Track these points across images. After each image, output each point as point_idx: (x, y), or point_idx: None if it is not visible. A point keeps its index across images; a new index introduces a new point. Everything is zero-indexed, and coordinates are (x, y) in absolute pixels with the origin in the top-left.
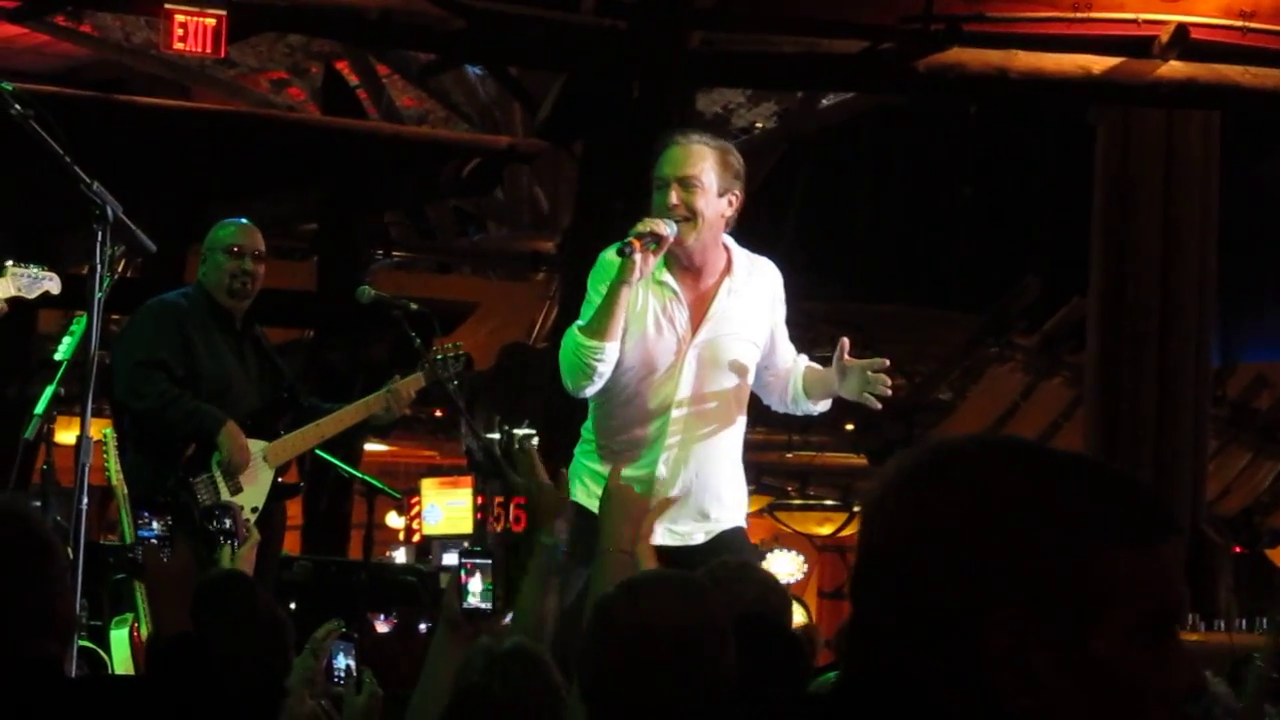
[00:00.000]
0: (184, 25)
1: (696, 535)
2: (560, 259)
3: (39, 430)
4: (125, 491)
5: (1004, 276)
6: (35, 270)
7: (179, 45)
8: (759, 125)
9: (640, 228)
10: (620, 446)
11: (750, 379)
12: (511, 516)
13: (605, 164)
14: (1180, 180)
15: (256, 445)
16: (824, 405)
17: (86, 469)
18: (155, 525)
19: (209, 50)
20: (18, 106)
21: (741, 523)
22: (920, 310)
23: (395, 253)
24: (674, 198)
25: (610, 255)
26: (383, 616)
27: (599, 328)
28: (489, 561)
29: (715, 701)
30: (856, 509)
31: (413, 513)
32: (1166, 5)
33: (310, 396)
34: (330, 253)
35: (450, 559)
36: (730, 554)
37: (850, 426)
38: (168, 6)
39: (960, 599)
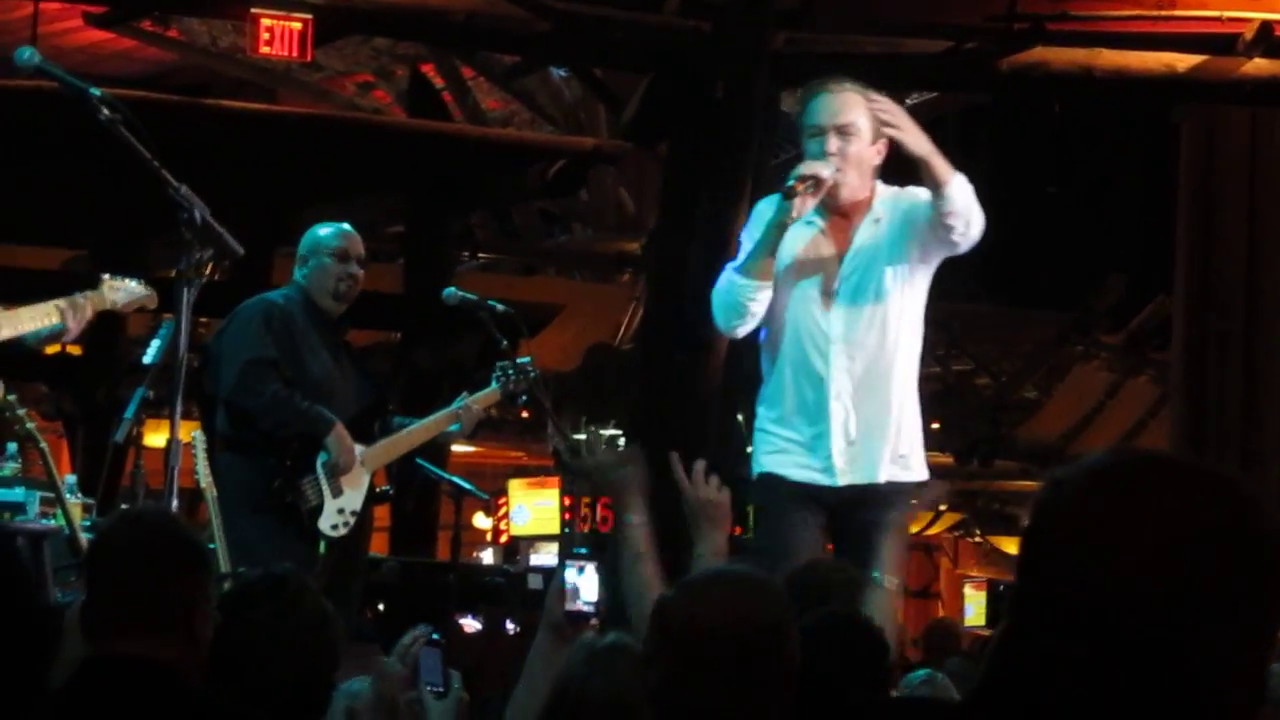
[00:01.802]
0: (270, 29)
1: (879, 473)
2: (645, 260)
3: (128, 433)
4: (214, 494)
5: (1089, 275)
6: (132, 284)
7: (265, 49)
8: None
9: (803, 170)
10: (794, 396)
11: (909, 309)
12: (599, 517)
13: (690, 165)
14: (1264, 177)
15: (357, 449)
16: (944, 193)
17: (176, 471)
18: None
19: (295, 54)
20: (106, 111)
21: (920, 475)
22: (1005, 309)
23: (481, 254)
24: (833, 145)
25: (763, 206)
26: (470, 617)
27: (754, 267)
28: (594, 562)
29: (780, 699)
30: (943, 509)
31: (500, 513)
32: (1251, 3)
33: (393, 404)
34: (416, 255)
35: (538, 559)
36: (893, 510)
37: (936, 425)
38: (254, 10)
39: (1174, 621)
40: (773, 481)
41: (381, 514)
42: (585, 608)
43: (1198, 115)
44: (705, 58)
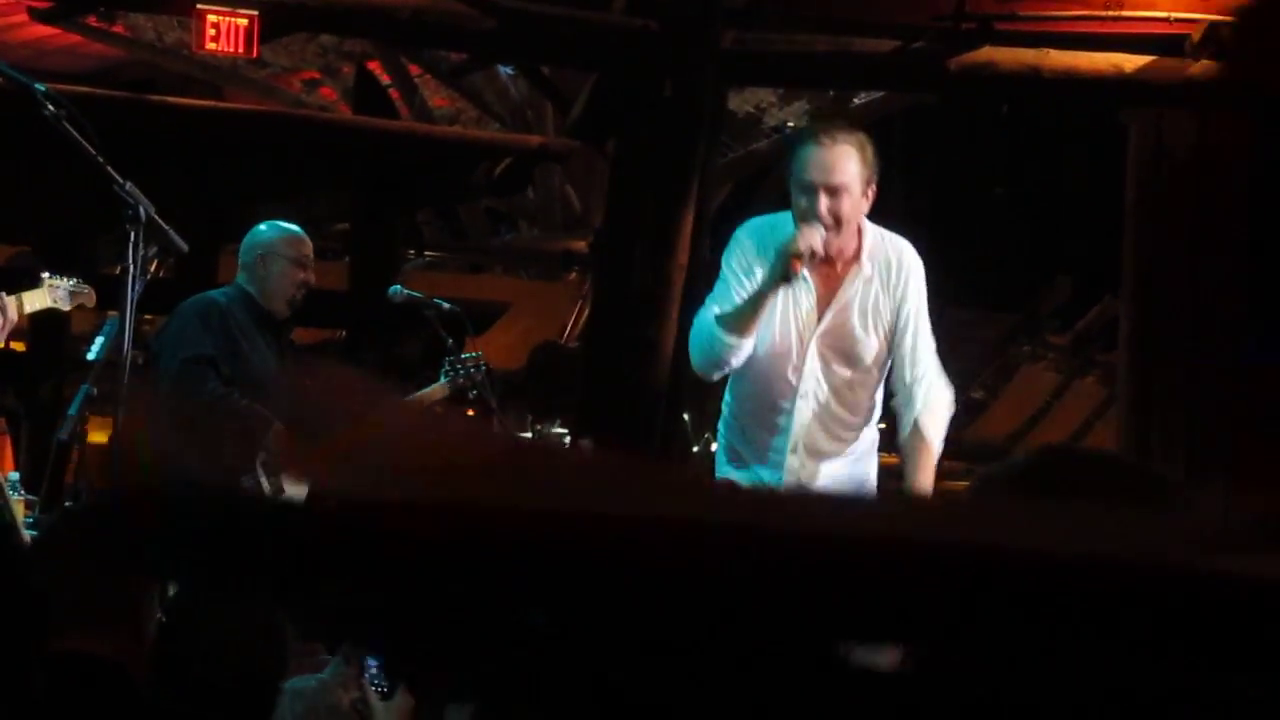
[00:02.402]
0: (216, 26)
1: None
2: (592, 259)
3: (73, 430)
4: None
5: (1036, 276)
6: (72, 283)
7: (211, 45)
8: (790, 125)
9: (801, 248)
10: (751, 428)
11: (880, 374)
12: None
13: (637, 163)
14: (1212, 179)
15: None
16: None
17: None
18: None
19: (241, 50)
20: (51, 107)
21: None
22: (952, 309)
23: (427, 253)
24: (823, 207)
25: (744, 236)
26: None
27: (741, 325)
28: None
29: None
30: None
31: None
32: (1198, 4)
33: None
34: (362, 253)
35: None
36: None
37: (882, 426)
38: (200, 7)
39: None
40: None
41: None
42: None
43: (1145, 117)
44: (653, 56)
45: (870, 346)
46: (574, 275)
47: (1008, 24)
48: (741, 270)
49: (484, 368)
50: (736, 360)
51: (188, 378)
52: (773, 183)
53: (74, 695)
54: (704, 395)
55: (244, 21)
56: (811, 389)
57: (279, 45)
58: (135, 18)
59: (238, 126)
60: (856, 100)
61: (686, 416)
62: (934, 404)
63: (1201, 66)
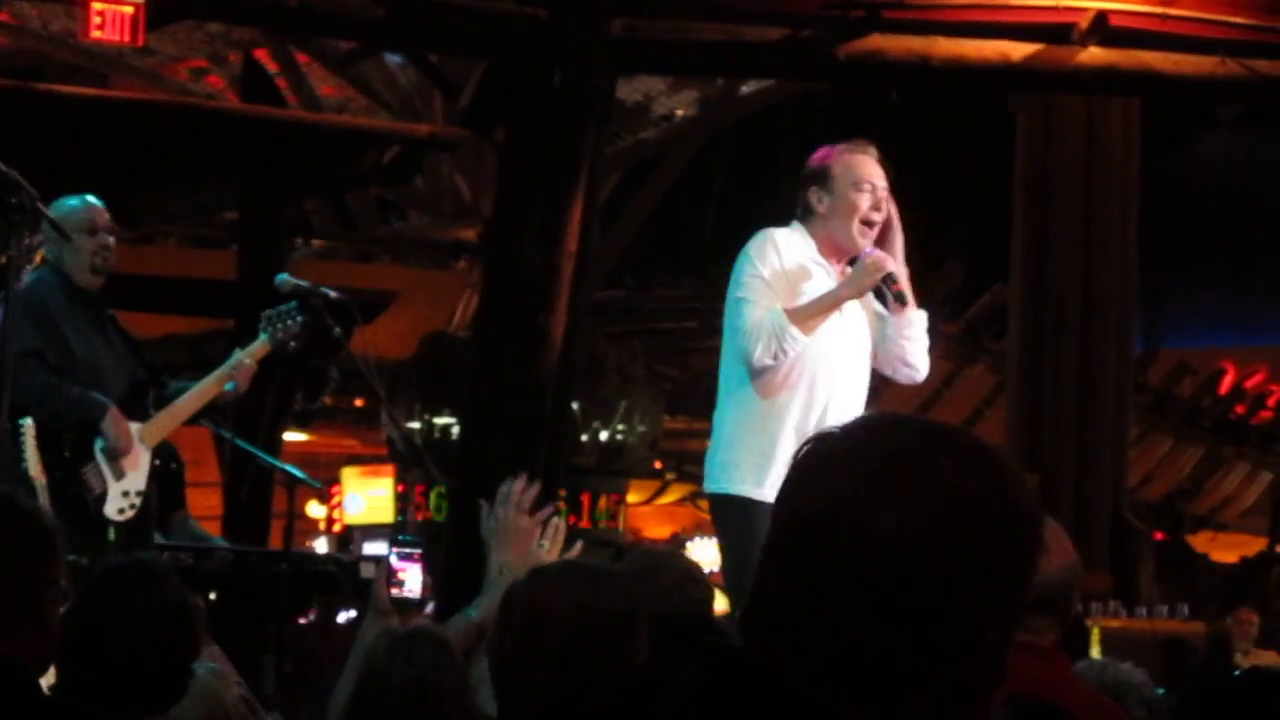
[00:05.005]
0: (102, 13)
1: None
2: (481, 247)
3: None
4: (44, 482)
5: (925, 263)
6: None
7: (97, 33)
8: (679, 113)
9: (892, 270)
10: (793, 421)
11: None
12: (432, 505)
13: (526, 152)
14: (1101, 167)
15: (133, 427)
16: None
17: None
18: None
19: (127, 38)
20: None
21: None
22: None
23: (316, 241)
24: (884, 206)
25: (777, 234)
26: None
27: (810, 324)
28: (419, 550)
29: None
30: None
31: (333, 502)
32: None
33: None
34: (250, 241)
35: (372, 548)
36: None
37: None
38: None
39: (926, 584)
40: (745, 504)
41: (214, 502)
42: (410, 594)
43: (1034, 104)
44: (542, 44)
45: (867, 326)
46: (463, 264)
47: (896, 12)
48: (772, 261)
49: (299, 319)
50: (795, 354)
51: (19, 371)
52: (663, 170)
53: None
54: (594, 384)
55: (130, 9)
56: (836, 363)
57: (165, 33)
58: (20, 5)
59: (124, 115)
60: (745, 88)
61: (576, 405)
62: None
63: (1089, 54)
